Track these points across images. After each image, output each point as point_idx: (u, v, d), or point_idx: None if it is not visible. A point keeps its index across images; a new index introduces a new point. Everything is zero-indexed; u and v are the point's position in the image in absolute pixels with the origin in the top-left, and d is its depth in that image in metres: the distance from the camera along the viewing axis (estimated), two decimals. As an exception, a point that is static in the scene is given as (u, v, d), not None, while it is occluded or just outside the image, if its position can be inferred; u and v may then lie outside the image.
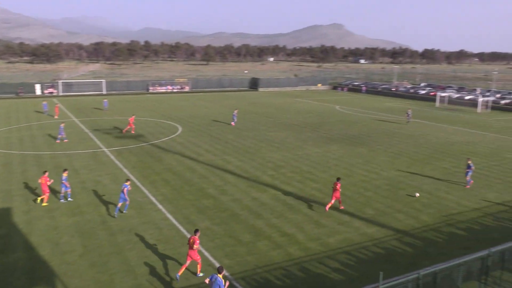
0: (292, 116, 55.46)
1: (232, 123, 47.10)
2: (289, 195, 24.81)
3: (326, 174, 28.75)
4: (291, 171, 29.41)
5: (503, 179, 28.79)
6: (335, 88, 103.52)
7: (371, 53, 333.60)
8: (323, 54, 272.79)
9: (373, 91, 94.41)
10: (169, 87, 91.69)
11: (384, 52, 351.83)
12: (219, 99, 75.31)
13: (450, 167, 31.48)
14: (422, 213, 22.47)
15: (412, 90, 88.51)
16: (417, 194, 24.96)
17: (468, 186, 26.55)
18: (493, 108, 68.28)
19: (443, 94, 76.76)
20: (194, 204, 23.24)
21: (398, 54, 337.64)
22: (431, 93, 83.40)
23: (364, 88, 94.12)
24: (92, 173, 28.00)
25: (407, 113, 52.51)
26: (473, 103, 70.74)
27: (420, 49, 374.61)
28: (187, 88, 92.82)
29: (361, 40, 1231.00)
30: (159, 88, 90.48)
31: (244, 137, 40.71)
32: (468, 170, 26.61)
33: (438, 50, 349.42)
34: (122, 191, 21.38)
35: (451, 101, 74.12)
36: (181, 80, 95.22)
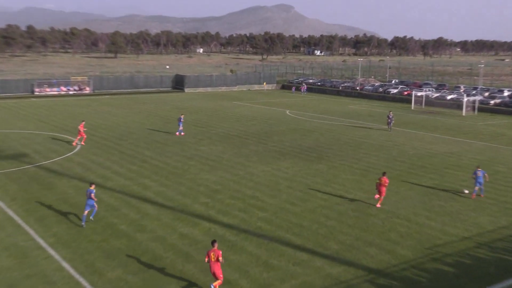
0: (230, 125, 55.72)
1: (177, 132, 48.72)
2: (229, 228, 24.72)
3: (277, 200, 29.01)
4: (230, 196, 29.41)
5: (497, 199, 30.47)
6: (285, 87, 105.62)
7: (329, 43, 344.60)
8: (268, 43, 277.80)
9: (332, 90, 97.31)
10: (63, 88, 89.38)
11: (345, 41, 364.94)
12: (132, 104, 74.26)
13: (431, 185, 32.89)
14: (399, 246, 23.19)
15: (381, 89, 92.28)
16: (466, 191, 30.33)
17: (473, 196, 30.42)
18: (480, 109, 72.55)
19: (419, 94, 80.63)
20: (100, 247, 22.45)
21: (362, 44, 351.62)
22: (405, 92, 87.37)
23: (303, 88, 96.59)
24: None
25: (388, 117, 54.10)
26: (457, 104, 74.82)
27: (389, 37, 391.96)
28: (87, 90, 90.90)
29: (315, 26, 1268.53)
30: (48, 89, 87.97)
31: (167, 154, 40.32)
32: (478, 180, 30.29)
33: (411, 39, 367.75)
34: (90, 197, 24.66)
35: (429, 102, 77.96)
36: (79, 78, 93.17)
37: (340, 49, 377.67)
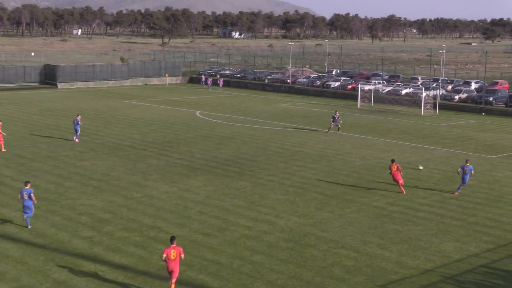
0: (121, 132, 55.18)
1: (75, 138, 50.44)
2: (122, 270, 24.46)
3: (186, 230, 29.03)
4: (123, 228, 29.13)
5: (465, 220, 31.93)
6: (193, 81, 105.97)
7: (250, 22, 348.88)
8: (170, 23, 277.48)
9: (256, 84, 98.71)
10: None
11: (271, 20, 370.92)
12: (-16, 105, 71.87)
13: (384, 205, 34.00)
14: (345, 284, 23.80)
15: (318, 82, 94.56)
16: (421, 167, 39.76)
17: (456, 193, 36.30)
18: (442, 107, 75.81)
19: (367, 88, 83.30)
20: None
21: (293, 23, 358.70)
22: (349, 86, 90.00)
23: (220, 81, 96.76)
24: None
25: (333, 118, 56.05)
26: (413, 101, 77.78)
27: (327, 14, 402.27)
28: None
29: (232, 1, 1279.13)
30: None
31: (34, 173, 39.46)
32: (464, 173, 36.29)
33: (355, 17, 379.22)
34: (29, 198, 28.84)
35: (379, 98, 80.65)
36: None
37: (265, 30, 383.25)
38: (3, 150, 46.04)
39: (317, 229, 29.63)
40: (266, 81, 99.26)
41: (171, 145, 49.39)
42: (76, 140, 50.46)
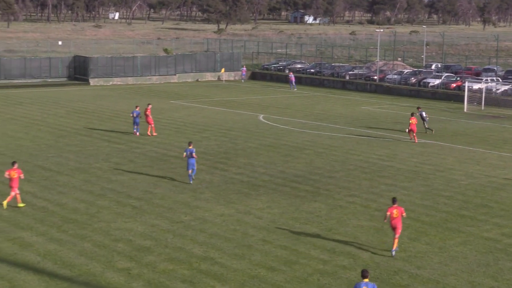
0: (166, 139, 55.68)
1: (136, 131, 57.82)
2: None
3: (245, 263, 29.01)
4: (167, 258, 29.29)
5: None
6: (256, 77, 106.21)
7: (328, 3, 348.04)
8: (228, 5, 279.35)
9: (335, 82, 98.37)
10: None
11: (354, 1, 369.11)
12: (0, 105, 73.62)
13: (497, 236, 33.32)
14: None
15: (413, 79, 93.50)
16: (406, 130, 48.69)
17: None
18: None
19: (476, 87, 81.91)
20: None
21: (382, 6, 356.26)
22: (453, 85, 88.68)
23: (292, 78, 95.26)
24: None
25: (421, 116, 60.52)
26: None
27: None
28: None
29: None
30: None
31: (61, 188, 40.19)
32: None
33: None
34: (191, 157, 41.39)
35: (493, 100, 79.30)
36: None
37: (347, 13, 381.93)
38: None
39: (411, 265, 29.27)
40: (347, 77, 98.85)
41: (228, 157, 49.59)
42: (137, 133, 56.89)
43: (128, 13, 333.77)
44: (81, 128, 60.56)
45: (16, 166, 36.91)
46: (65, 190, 40.00)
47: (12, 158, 47.69)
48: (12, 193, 36.49)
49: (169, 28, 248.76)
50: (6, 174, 36.90)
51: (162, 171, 44.93)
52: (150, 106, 58.56)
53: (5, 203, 36.36)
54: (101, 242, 31.39)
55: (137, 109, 57.82)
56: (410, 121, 55.34)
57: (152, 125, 57.82)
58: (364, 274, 22.64)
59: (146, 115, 57.54)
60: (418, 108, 61.90)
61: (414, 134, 55.41)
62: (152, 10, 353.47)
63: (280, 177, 43.82)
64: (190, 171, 41.87)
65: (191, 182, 41.82)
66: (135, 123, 57.55)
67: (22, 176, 37.29)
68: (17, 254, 29.67)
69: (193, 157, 41.65)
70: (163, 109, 72.22)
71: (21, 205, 36.64)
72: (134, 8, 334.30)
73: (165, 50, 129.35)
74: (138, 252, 30.18)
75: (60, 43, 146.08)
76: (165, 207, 37.00)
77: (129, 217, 35.16)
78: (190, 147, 41.81)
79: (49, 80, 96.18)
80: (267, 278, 27.53)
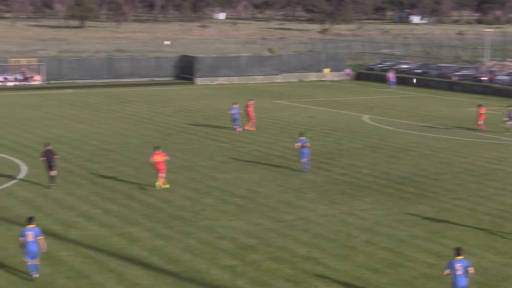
0: (270, 139, 56.00)
1: (237, 127, 59.19)
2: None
3: (349, 264, 28.92)
4: (271, 257, 29.43)
5: None
6: (362, 77, 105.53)
7: (434, 3, 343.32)
8: (333, 4, 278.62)
9: (441, 83, 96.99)
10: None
11: (461, 1, 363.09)
12: (111, 104, 75.45)
13: None
14: None
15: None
16: None
17: None
18: None
19: None
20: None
21: (491, 4, 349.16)
22: None
23: (391, 77, 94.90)
24: None
25: (510, 116, 59.56)
26: None
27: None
28: (37, 80, 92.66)
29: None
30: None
31: (173, 187, 40.84)
32: None
33: None
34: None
35: None
36: (24, 61, 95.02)
37: (454, 13, 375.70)
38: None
39: (520, 270, 28.71)
40: (454, 78, 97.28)
41: (332, 157, 49.51)
42: (239, 129, 58.57)
43: (233, 13, 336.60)
44: (186, 126, 61.43)
45: (159, 150, 40.47)
46: (171, 187, 40.61)
47: (122, 155, 49.04)
48: (161, 175, 39.88)
49: (273, 28, 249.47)
50: (153, 159, 39.99)
51: (266, 170, 45.19)
52: (252, 102, 60.45)
53: (158, 184, 40.05)
54: (206, 239, 31.80)
55: (235, 106, 58.85)
56: (481, 112, 59.65)
57: (253, 121, 59.46)
58: (458, 252, 24.06)
59: (248, 111, 59.18)
60: (508, 106, 61.46)
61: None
62: (257, 10, 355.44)
63: (384, 178, 43.54)
64: (305, 159, 44.38)
65: (305, 170, 44.35)
66: (234, 119, 58.92)
67: (167, 158, 40.66)
68: (125, 249, 30.39)
69: (306, 146, 44.02)
70: (267, 108, 72.53)
71: (166, 186, 40.17)
72: (239, 8, 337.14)
73: (270, 50, 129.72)
74: (242, 250, 30.45)
75: (167, 43, 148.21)
76: (268, 206, 37.21)
77: (233, 215, 35.51)
78: (303, 138, 44.38)
79: (157, 79, 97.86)
80: (371, 280, 27.40)
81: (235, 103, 59.94)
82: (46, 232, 32.08)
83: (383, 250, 30.69)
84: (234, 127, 58.80)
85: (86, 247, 30.50)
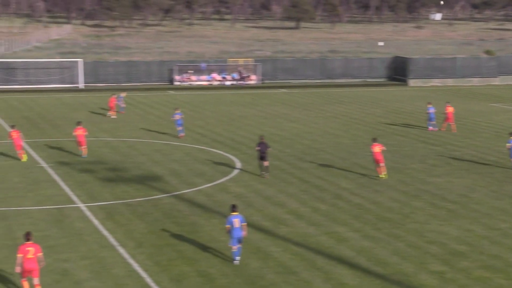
0: (483, 143, 54.58)
1: (432, 127, 60.25)
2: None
3: None
4: (483, 265, 28.56)
5: None
6: None
7: None
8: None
9: None
10: (216, 76, 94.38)
11: None
12: (322, 103, 76.27)
13: None
14: None
15: None
16: None
17: None
18: None
19: None
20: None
21: None
22: None
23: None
24: (52, 256, 29.01)
25: None
26: None
27: None
28: (253, 79, 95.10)
29: None
30: (194, 78, 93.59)
31: (376, 187, 40.75)
32: None
33: None
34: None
35: None
36: (241, 61, 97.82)
37: None
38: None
39: None
40: None
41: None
42: (434, 128, 59.29)
43: (450, 14, 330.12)
44: (397, 128, 60.96)
45: (377, 141, 43.33)
46: (380, 188, 40.46)
47: (331, 155, 49.37)
48: (381, 164, 42.49)
49: (492, 29, 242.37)
50: (372, 149, 42.59)
51: (479, 175, 43.98)
52: (450, 106, 59.77)
53: (383, 174, 42.63)
54: (414, 243, 31.36)
55: (430, 106, 60.31)
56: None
57: (449, 123, 59.25)
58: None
59: (447, 113, 59.12)
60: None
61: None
62: (475, 11, 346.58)
63: None
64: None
65: None
66: (430, 119, 59.71)
67: (384, 148, 43.26)
68: (333, 248, 30.52)
69: None
70: (482, 112, 70.66)
71: (382, 176, 42.54)
72: (457, 8, 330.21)
73: (487, 52, 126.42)
74: (452, 256, 29.77)
75: (381, 43, 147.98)
76: (481, 212, 36.19)
77: (444, 220, 34.82)
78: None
79: (369, 80, 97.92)
80: None
81: (429, 103, 61.14)
82: (257, 228, 33.00)
83: None
84: (429, 127, 59.61)
85: (295, 244, 30.89)
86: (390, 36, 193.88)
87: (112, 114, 65.24)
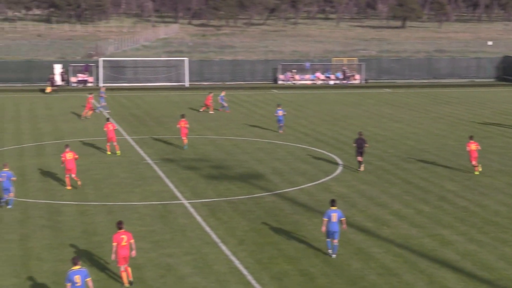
0: None
1: None
2: None
3: None
4: None
5: None
6: None
7: None
8: None
9: None
10: (320, 75, 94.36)
11: None
12: (428, 104, 75.45)
13: None
14: None
15: None
16: None
17: None
18: None
19: None
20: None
21: None
22: None
23: None
24: (157, 251, 29.68)
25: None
26: None
27: None
28: (357, 79, 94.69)
29: None
30: (298, 77, 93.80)
31: (482, 189, 40.05)
32: None
33: None
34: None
35: None
36: (345, 60, 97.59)
37: None
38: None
39: None
40: None
41: None
42: None
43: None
44: (506, 130, 59.55)
45: (473, 139, 43.46)
46: (487, 191, 39.67)
47: (437, 156, 48.65)
48: (473, 162, 43.23)
49: None
50: (468, 147, 42.93)
51: None
52: None
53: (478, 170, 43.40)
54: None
55: None
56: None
57: None
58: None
59: None
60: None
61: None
62: None
63: None
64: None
65: None
66: None
67: (479, 147, 43.55)
68: (436, 251, 30.14)
69: None
70: None
71: (477, 172, 43.26)
72: None
73: None
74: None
75: (490, 43, 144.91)
76: None
77: (553, 224, 33.97)
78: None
79: (477, 80, 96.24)
80: None
81: None
82: (359, 228, 32.84)
83: None
84: None
85: (397, 246, 30.63)
86: (500, 35, 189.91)
87: (209, 110, 67.26)
